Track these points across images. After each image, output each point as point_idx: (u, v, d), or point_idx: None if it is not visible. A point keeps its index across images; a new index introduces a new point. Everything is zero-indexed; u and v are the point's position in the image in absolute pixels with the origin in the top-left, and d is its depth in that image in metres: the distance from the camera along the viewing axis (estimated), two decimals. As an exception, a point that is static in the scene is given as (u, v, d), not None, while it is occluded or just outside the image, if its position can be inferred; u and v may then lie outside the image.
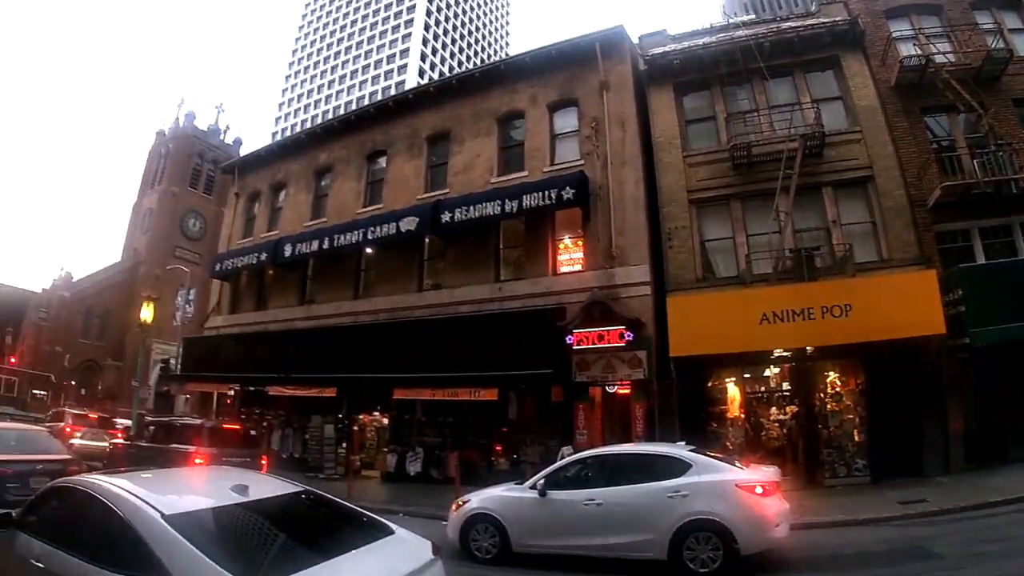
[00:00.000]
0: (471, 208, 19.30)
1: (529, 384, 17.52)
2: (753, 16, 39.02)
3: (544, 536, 9.20)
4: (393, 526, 4.85)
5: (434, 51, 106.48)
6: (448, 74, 79.63)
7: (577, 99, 20.09)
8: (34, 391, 53.76)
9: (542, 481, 9.53)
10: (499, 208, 18.77)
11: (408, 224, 20.44)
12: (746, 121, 17.63)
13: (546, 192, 18.18)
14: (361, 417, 22.37)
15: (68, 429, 23.02)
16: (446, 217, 19.74)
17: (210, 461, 13.86)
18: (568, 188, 17.94)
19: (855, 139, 16.97)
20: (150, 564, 3.61)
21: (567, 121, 20.33)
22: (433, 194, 21.63)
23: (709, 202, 17.82)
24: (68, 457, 12.02)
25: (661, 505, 8.41)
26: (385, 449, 20.67)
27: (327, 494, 5.53)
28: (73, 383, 58.43)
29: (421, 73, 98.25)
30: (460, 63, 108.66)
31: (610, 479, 9.13)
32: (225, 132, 75.78)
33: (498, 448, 18.67)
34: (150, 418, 22.52)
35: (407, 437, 20.21)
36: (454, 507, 10.34)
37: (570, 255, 19.09)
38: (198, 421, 17.99)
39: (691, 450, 9.36)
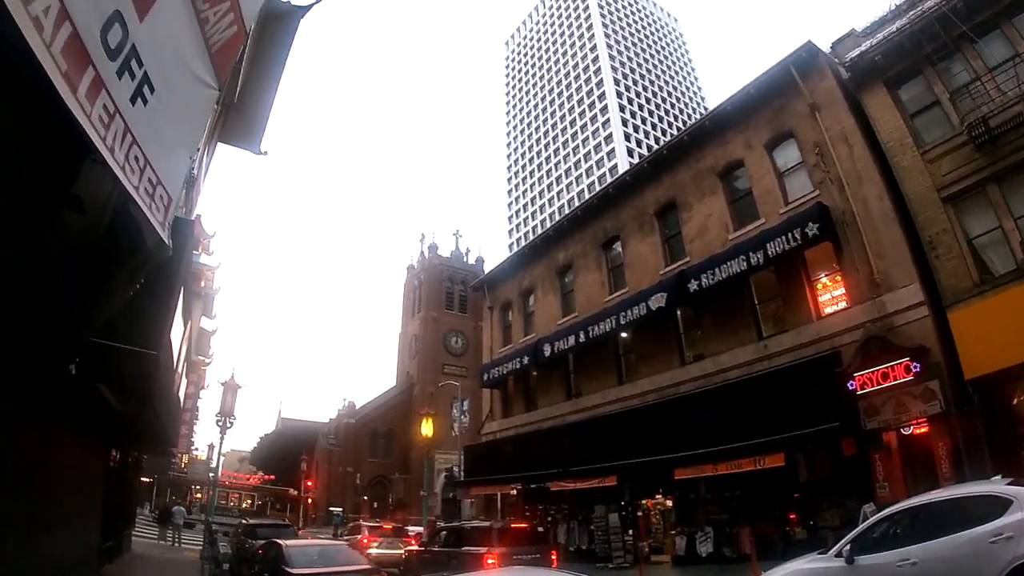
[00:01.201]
0: (716, 270, 18.61)
1: (815, 442, 15.80)
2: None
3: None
4: None
5: (635, 128, 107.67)
6: (655, 146, 79.81)
7: (791, 130, 18.89)
8: (330, 508, 59.96)
9: (847, 547, 8.36)
10: (744, 264, 17.86)
11: (657, 301, 20.23)
12: (971, 94, 14.97)
13: (788, 234, 16.93)
14: (644, 502, 21.73)
15: (365, 540, 24.55)
16: (693, 286, 19.20)
17: (501, 561, 14.00)
18: (810, 224, 16.57)
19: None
20: None
21: (788, 155, 19.15)
22: (674, 266, 21.36)
23: (963, 195, 15.20)
24: (369, 567, 12.66)
25: (984, 553, 7.03)
26: (673, 532, 19.77)
27: None
28: (366, 498, 64.10)
29: (630, 153, 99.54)
30: (663, 131, 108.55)
31: (923, 533, 7.85)
32: (467, 254, 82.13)
33: (792, 516, 16.94)
34: (441, 524, 23.58)
35: (694, 517, 19.21)
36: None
37: (830, 293, 17.39)
38: (487, 523, 18.41)
39: (1009, 483, 7.81)
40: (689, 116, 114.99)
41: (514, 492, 26.81)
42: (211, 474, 20.33)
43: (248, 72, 11.24)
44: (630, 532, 20.80)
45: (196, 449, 76.80)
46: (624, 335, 22.62)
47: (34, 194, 4.35)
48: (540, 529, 18.25)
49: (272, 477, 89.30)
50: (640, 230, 23.70)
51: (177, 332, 11.67)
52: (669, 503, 20.84)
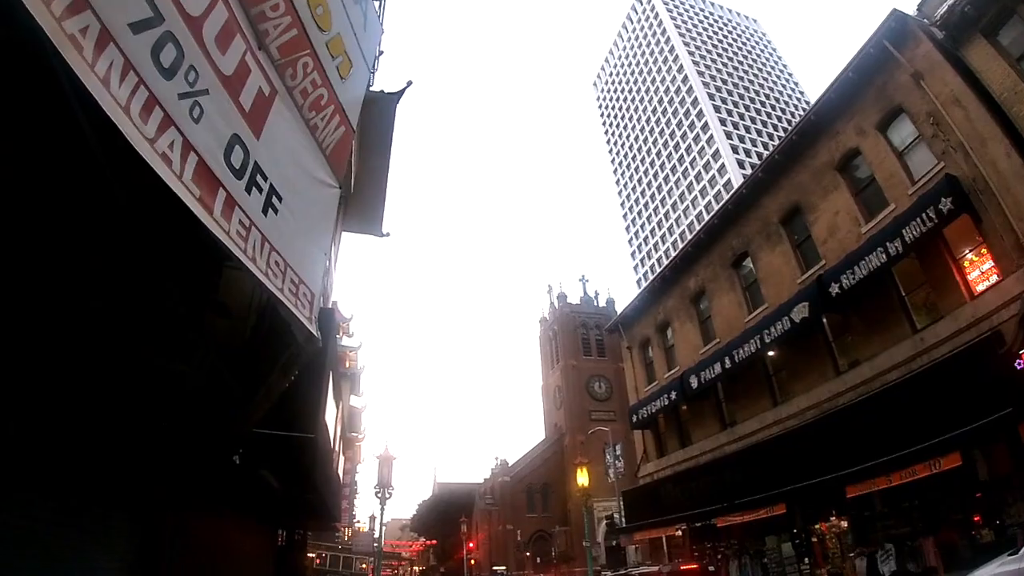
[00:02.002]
0: (855, 269, 17.40)
1: (991, 434, 14.24)
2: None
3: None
4: None
5: (740, 139, 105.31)
6: (764, 152, 77.44)
7: (900, 104, 17.68)
8: (494, 567, 62.28)
9: None
10: (883, 256, 16.59)
11: (800, 312, 19.24)
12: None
13: (922, 215, 15.63)
14: (817, 526, 20.36)
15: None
16: (834, 289, 18.07)
17: None
18: (943, 199, 15.24)
19: None
20: None
21: (903, 132, 17.86)
22: (811, 272, 20.32)
23: (1095, 131, 13.44)
24: None
25: None
26: (851, 554, 18.43)
27: None
28: (528, 554, 64.03)
29: (741, 164, 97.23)
30: (769, 136, 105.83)
31: None
32: (596, 298, 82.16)
33: (976, 519, 15.34)
34: (607, 573, 23.15)
35: (872, 535, 17.77)
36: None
37: (979, 269, 15.79)
38: (655, 568, 18.02)
39: None
40: (792, 114, 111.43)
41: (679, 533, 25.90)
42: (375, 544, 21.02)
43: (359, 163, 11.92)
44: (806, 560, 19.59)
45: (358, 521, 79.83)
46: (771, 354, 21.55)
47: (183, 305, 4.81)
48: (711, 569, 17.64)
49: (434, 542, 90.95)
50: (768, 241, 22.84)
51: (330, 413, 12.31)
52: (844, 524, 19.33)
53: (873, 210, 18.58)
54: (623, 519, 31.51)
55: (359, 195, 13.33)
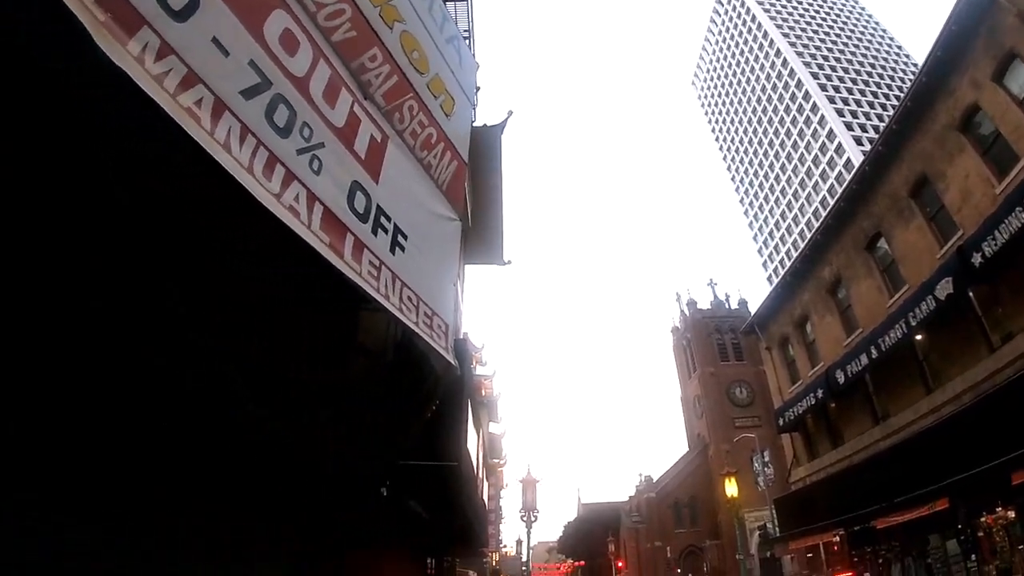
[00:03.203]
0: (995, 233, 15.94)
1: None
2: None
3: None
4: None
5: (853, 115, 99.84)
6: (880, 124, 73.45)
7: (1011, 49, 16.39)
8: None
9: None
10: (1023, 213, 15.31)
11: (943, 289, 17.92)
12: None
13: None
14: (983, 519, 18.86)
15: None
16: (976, 259, 16.74)
17: None
18: None
19: None
20: None
21: (1021, 78, 16.54)
22: (950, 244, 18.96)
23: None
24: None
25: None
26: (1021, 547, 17.00)
27: None
28: (679, 570, 62.48)
29: (858, 141, 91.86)
30: (882, 106, 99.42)
31: None
32: (727, 300, 79.78)
33: None
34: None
35: None
36: None
37: None
38: None
39: None
40: (902, 80, 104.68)
41: (836, 539, 24.67)
42: (523, 568, 21.23)
43: (474, 196, 12.31)
44: (973, 557, 18.08)
45: (504, 546, 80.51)
46: (919, 338, 20.25)
47: (331, 349, 5.13)
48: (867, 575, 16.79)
49: (582, 563, 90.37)
50: (900, 218, 21.58)
51: (472, 441, 12.63)
52: (1011, 515, 17.75)
53: (1005, 167, 17.25)
54: (776, 528, 30.24)
55: (477, 227, 13.75)
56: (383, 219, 4.65)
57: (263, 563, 6.11)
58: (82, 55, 2.53)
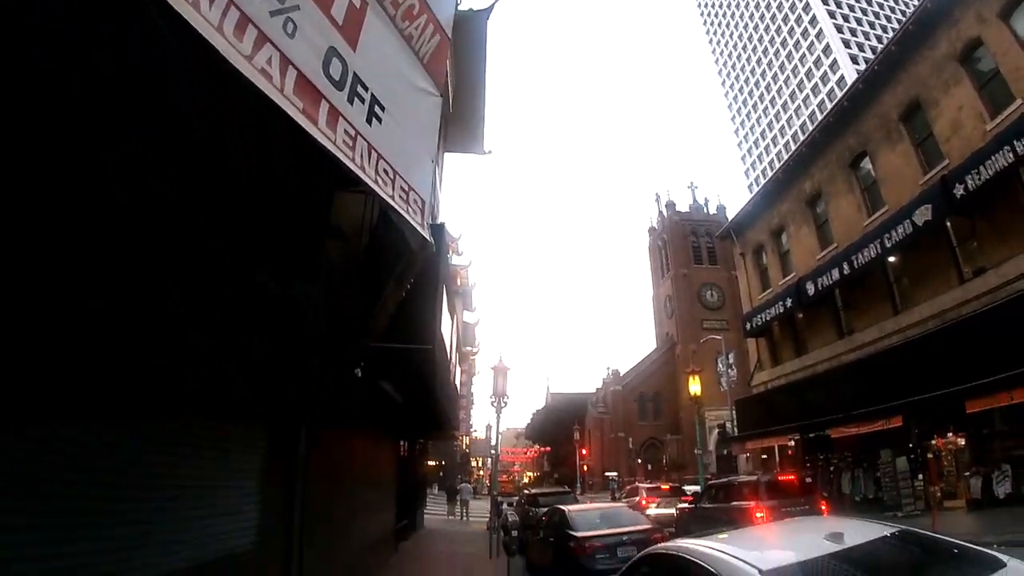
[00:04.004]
0: (981, 168, 15.90)
1: None
2: None
3: None
4: (1004, 557, 3.99)
5: (852, 32, 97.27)
6: (879, 45, 71.87)
7: None
8: (606, 473, 63.97)
9: None
10: (1011, 155, 15.04)
11: (922, 215, 18.02)
12: None
13: None
14: (934, 442, 19.69)
15: (643, 502, 24.99)
16: (959, 191, 16.70)
17: (769, 514, 13.64)
18: None
19: None
20: None
21: None
22: (934, 171, 18.85)
23: None
24: (650, 527, 12.63)
25: None
26: (966, 473, 17.76)
27: (924, 531, 4.89)
28: (639, 461, 65.50)
29: (854, 60, 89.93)
30: (883, 27, 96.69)
31: None
32: (706, 204, 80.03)
33: None
34: (711, 481, 23.38)
35: (990, 455, 17.07)
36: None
37: None
38: (753, 477, 18.04)
39: None
40: (906, 3, 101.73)
41: (791, 443, 25.69)
42: (492, 451, 21.90)
43: (456, 82, 11.95)
44: (920, 477, 19.01)
45: (475, 430, 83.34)
46: (892, 259, 20.50)
47: (303, 231, 5.01)
48: (808, 480, 17.56)
49: (547, 449, 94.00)
50: (887, 140, 21.33)
51: (446, 327, 12.72)
52: (961, 441, 18.74)
53: (999, 105, 17.00)
54: (735, 428, 31.42)
55: (458, 115, 13.46)
56: (360, 88, 4.43)
57: (237, 445, 6.22)
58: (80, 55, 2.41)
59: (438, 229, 7.49)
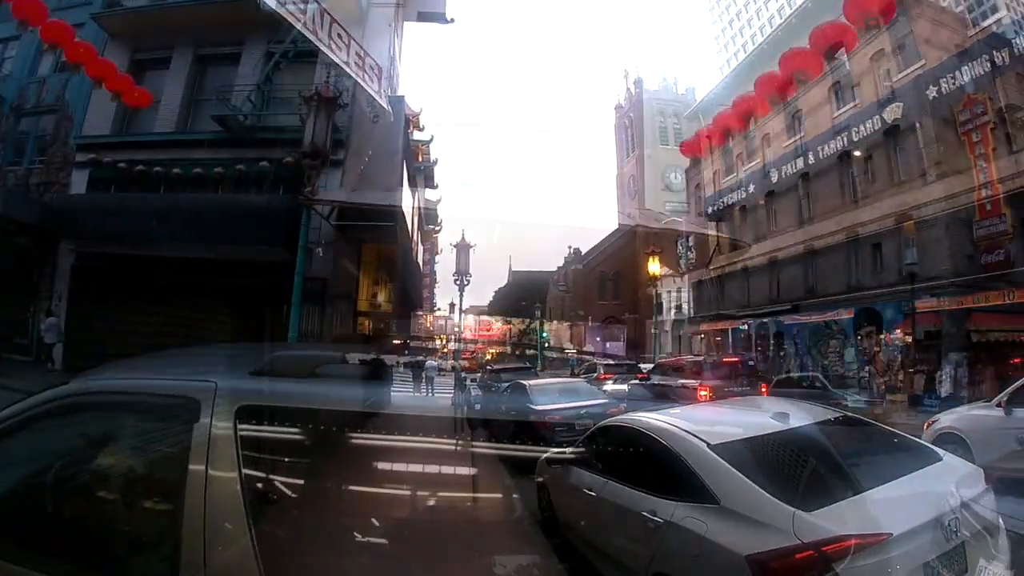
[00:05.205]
0: (957, 71, 16.10)
1: None
2: None
3: (1007, 457, 7.36)
4: (941, 452, 4.28)
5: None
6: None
7: None
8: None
9: (1006, 397, 7.90)
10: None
11: (892, 113, 18.03)
12: None
13: None
14: (883, 336, 20.56)
15: (601, 377, 25.88)
16: (932, 93, 16.83)
17: (712, 393, 14.19)
18: None
19: None
20: (697, 490, 3.78)
21: None
22: (908, 71, 18.69)
23: None
24: (606, 401, 12.99)
25: None
26: (911, 370, 18.67)
27: (866, 418, 5.20)
28: (599, 339, 66.84)
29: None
30: None
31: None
32: (675, 84, 77.57)
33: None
34: (662, 360, 24.21)
35: (935, 355, 17.87)
36: (925, 427, 9.11)
37: None
38: (699, 358, 18.76)
39: None
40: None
41: (744, 326, 26.56)
42: (455, 329, 22.45)
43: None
44: (867, 369, 20.02)
45: (438, 308, 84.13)
46: (858, 154, 20.58)
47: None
48: (751, 364, 18.36)
49: (509, 327, 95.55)
50: (865, 31, 20.86)
51: (407, 203, 12.65)
52: (909, 339, 19.38)
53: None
54: (691, 310, 32.12)
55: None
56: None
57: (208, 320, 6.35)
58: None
59: (397, 101, 7.36)
